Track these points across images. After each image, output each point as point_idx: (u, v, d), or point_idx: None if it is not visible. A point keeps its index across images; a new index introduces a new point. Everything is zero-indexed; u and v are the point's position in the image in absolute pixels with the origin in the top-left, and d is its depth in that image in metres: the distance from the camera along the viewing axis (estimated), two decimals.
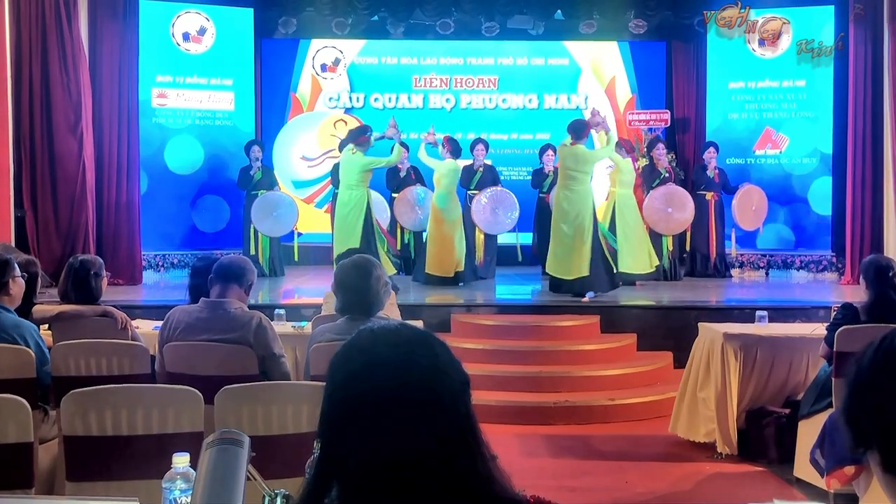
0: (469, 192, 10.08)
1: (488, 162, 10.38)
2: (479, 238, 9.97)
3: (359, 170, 8.49)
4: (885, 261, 4.79)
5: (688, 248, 10.35)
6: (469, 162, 10.21)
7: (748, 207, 10.18)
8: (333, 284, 3.69)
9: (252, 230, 10.22)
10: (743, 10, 9.40)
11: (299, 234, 11.00)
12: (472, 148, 10.19)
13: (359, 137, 8.57)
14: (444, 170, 9.32)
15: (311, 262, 11.01)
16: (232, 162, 10.84)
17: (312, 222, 11.65)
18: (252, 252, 10.13)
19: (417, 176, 10.48)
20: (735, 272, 10.57)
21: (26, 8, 8.96)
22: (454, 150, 9.39)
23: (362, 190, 8.54)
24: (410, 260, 10.29)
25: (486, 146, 10.30)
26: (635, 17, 11.66)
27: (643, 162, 10.55)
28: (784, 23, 9.66)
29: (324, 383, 1.25)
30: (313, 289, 8.93)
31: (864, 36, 9.70)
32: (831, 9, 10.40)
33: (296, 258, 10.65)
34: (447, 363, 1.24)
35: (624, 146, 9.58)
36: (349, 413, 1.20)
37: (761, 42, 10.81)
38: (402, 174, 10.44)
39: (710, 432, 5.51)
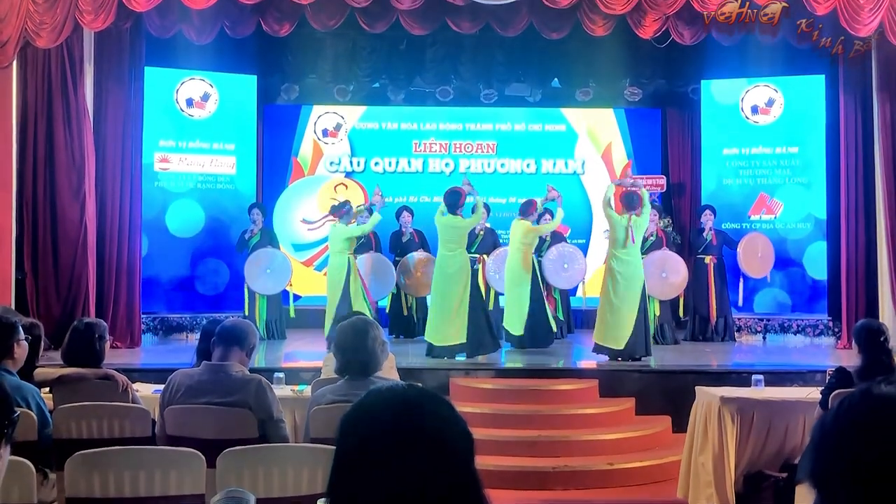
0: (470, 255, 10.12)
1: (488, 225, 10.47)
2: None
3: (341, 238, 9.28)
4: (876, 325, 4.84)
5: (681, 312, 10.39)
6: None
7: (754, 255, 10.23)
8: (332, 347, 3.76)
9: (249, 292, 10.23)
10: (743, 6, 8.99)
11: (297, 297, 11.04)
12: (472, 212, 10.24)
13: (339, 211, 9.51)
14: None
15: (310, 324, 10.99)
16: (233, 225, 10.93)
17: (312, 285, 11.70)
18: (254, 314, 10.14)
19: (421, 239, 10.55)
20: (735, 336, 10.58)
21: (33, 72, 9.14)
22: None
23: (345, 257, 9.26)
24: (413, 324, 10.34)
25: (489, 210, 10.40)
26: (630, 85, 11.93)
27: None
28: (784, 6, 9.04)
29: (324, 446, 1.30)
30: (313, 352, 8.94)
31: (855, 104, 9.89)
32: (822, 78, 10.63)
33: (291, 314, 10.65)
34: (453, 424, 1.30)
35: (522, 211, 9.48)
36: (359, 473, 1.25)
37: (754, 109, 11.02)
38: (405, 238, 10.53)
39: (710, 496, 5.50)
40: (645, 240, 10.10)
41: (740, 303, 10.69)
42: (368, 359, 3.63)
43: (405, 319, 10.39)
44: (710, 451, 5.50)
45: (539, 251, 9.94)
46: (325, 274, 11.09)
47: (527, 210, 9.48)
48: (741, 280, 10.59)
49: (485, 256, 10.18)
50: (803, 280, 10.72)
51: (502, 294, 9.77)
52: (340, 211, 9.54)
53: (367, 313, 8.69)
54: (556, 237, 10.37)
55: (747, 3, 8.75)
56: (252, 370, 4.16)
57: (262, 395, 3.89)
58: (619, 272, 8.32)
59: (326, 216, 9.71)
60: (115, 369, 4.78)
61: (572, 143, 12.31)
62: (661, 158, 12.17)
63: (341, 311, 8.33)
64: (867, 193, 9.82)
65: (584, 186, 12.11)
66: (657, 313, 9.89)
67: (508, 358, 8.78)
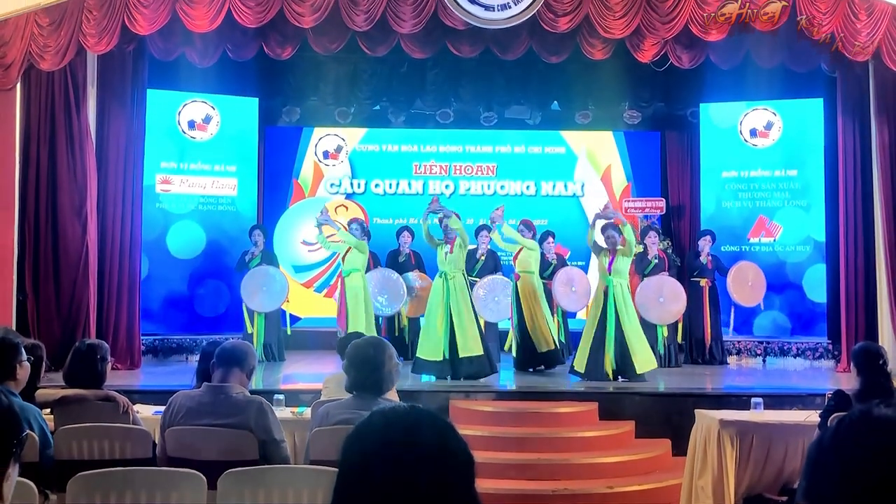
0: (470, 278, 10.13)
1: (488, 248, 10.49)
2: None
3: (366, 255, 9.80)
4: (875, 348, 4.86)
5: (679, 336, 10.41)
6: (472, 247, 10.32)
7: (744, 283, 10.26)
8: (345, 363, 3.75)
9: (249, 314, 10.24)
10: (743, 8, 8.84)
11: (296, 319, 11.05)
12: (476, 234, 10.28)
13: (368, 232, 10.14)
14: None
15: (309, 346, 10.99)
16: (233, 247, 10.94)
17: (311, 306, 11.72)
18: (251, 336, 10.14)
19: (417, 260, 10.57)
20: (732, 359, 10.58)
21: (37, 94, 9.19)
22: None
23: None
24: (405, 345, 10.33)
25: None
26: (629, 108, 12.00)
27: (638, 249, 10.67)
28: (784, 5, 8.87)
29: (325, 468, 1.33)
30: (312, 374, 8.94)
31: (853, 128, 9.94)
32: (820, 101, 10.70)
33: (288, 331, 10.68)
34: (455, 446, 1.32)
35: (531, 227, 9.94)
36: (361, 493, 1.27)
37: (753, 132, 11.08)
38: (402, 258, 10.55)
39: None
40: (648, 263, 10.18)
41: (730, 326, 10.70)
42: (384, 376, 3.64)
43: (397, 341, 10.36)
44: (710, 474, 5.50)
45: (543, 274, 10.02)
46: (326, 295, 11.17)
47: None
48: (732, 305, 10.61)
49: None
50: (802, 303, 10.72)
51: (490, 322, 9.86)
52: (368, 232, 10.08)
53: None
54: (559, 260, 10.43)
55: (748, 4, 8.77)
56: (251, 392, 4.17)
57: (262, 416, 3.90)
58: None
59: (328, 237, 9.79)
60: (116, 391, 4.79)
61: (572, 165, 12.37)
62: (660, 181, 12.23)
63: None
64: (866, 216, 9.85)
65: (584, 209, 12.14)
66: (665, 335, 9.91)
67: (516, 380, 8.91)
